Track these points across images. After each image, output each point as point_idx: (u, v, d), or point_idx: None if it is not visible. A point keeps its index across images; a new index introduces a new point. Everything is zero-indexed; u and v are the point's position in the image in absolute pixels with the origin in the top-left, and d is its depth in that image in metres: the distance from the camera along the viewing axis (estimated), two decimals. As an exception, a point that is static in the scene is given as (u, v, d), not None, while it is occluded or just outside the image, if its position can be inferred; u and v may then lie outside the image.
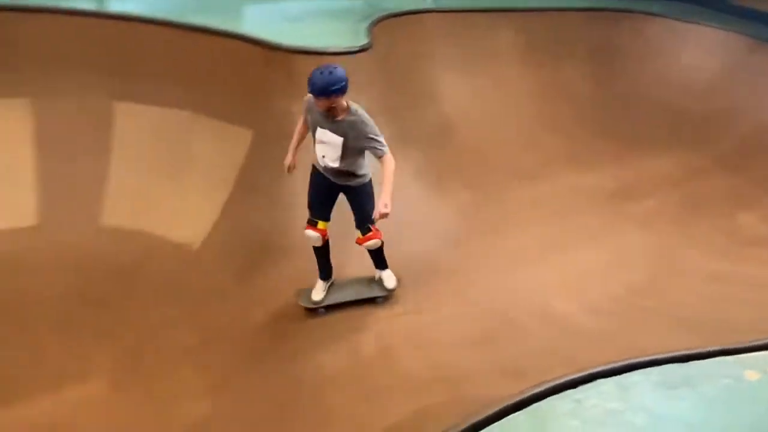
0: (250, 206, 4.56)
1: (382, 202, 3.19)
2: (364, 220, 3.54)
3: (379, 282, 3.94)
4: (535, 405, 2.12)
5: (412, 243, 4.65)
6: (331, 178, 3.45)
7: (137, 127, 4.76)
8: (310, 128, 3.37)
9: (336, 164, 3.31)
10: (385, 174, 3.24)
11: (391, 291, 3.93)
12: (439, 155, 5.55)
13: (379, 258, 3.87)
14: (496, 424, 2.03)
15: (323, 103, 3.09)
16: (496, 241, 4.81)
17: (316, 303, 3.79)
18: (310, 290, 3.82)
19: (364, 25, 5.84)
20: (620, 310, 4.05)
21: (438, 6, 7.09)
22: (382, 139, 3.26)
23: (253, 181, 4.68)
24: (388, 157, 3.26)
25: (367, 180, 3.48)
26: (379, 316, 3.90)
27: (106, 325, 3.73)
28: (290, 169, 3.61)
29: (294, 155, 3.60)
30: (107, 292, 3.93)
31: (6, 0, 4.78)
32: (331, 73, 3.00)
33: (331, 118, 3.20)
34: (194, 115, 4.93)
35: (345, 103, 3.18)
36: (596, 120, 6.82)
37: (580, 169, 6.03)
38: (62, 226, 4.25)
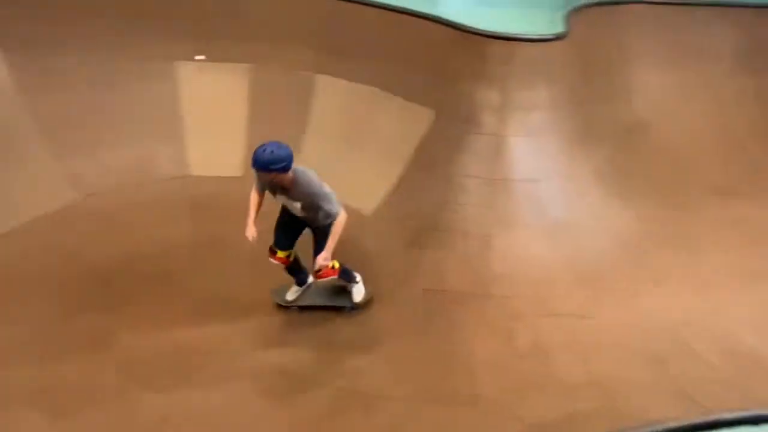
0: (424, 182, 4.68)
1: (321, 255, 3.31)
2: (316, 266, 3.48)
3: (349, 294, 3.87)
4: None
5: (583, 244, 4.44)
6: (298, 217, 3.46)
7: (333, 98, 5.14)
8: (268, 192, 3.38)
9: (302, 215, 3.39)
10: (333, 232, 3.28)
11: (357, 304, 3.86)
12: (626, 157, 5.17)
13: (344, 279, 3.82)
14: None
15: (264, 177, 3.18)
16: (680, 258, 4.38)
17: (288, 302, 3.86)
18: (286, 288, 3.87)
19: (563, 12, 5.59)
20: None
21: (646, -4, 6.53)
22: (332, 198, 3.28)
23: (430, 159, 4.80)
24: (339, 219, 3.27)
25: (329, 223, 3.33)
26: (539, 312, 3.82)
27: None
28: (253, 239, 3.45)
29: (252, 227, 3.44)
30: None
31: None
32: (273, 151, 3.06)
33: (280, 189, 3.26)
34: (383, 92, 5.16)
35: (291, 175, 3.17)
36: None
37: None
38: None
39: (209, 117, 5.02)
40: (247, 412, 3.13)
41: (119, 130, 5.01)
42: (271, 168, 3.07)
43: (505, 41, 4.93)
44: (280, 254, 3.57)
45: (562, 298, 3.95)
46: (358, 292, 3.86)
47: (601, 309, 3.87)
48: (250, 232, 3.41)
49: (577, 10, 5.72)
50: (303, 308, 3.88)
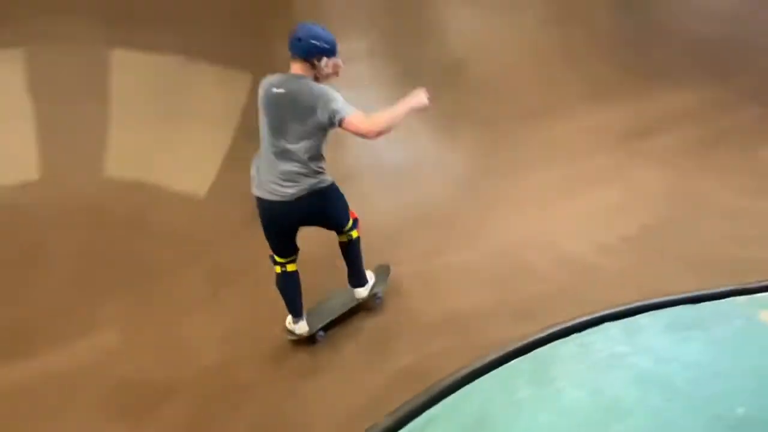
0: (253, 153, 4.46)
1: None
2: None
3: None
4: (540, 349, 2.11)
5: (422, 187, 4.61)
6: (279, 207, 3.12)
7: (136, 75, 4.60)
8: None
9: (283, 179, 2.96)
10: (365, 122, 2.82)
11: (377, 296, 3.60)
12: (448, 94, 5.32)
13: (352, 256, 3.48)
14: (498, 369, 2.02)
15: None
16: (508, 184, 4.75)
17: (298, 335, 3.29)
18: (291, 326, 3.33)
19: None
20: (633, 250, 4.00)
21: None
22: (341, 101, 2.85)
23: (255, 126, 4.57)
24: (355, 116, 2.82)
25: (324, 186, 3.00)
26: (391, 262, 3.87)
27: (116, 276, 3.76)
28: None
29: None
30: (115, 243, 3.93)
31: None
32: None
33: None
34: (192, 61, 4.76)
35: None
36: (616, 52, 6.52)
37: (598, 106, 5.84)
38: (66, 179, 4.19)
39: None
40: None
41: None
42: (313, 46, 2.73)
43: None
44: (290, 267, 3.20)
45: (410, 244, 4.07)
46: (364, 288, 3.49)
47: (447, 247, 4.07)
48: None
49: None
50: (329, 328, 3.40)
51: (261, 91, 2.89)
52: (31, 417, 2.90)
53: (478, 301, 3.53)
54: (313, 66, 2.81)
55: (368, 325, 3.47)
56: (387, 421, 1.82)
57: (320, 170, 2.90)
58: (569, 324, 2.22)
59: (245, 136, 4.49)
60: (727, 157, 5.23)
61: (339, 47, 2.88)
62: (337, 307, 3.48)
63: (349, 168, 4.52)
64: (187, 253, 3.94)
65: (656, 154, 5.28)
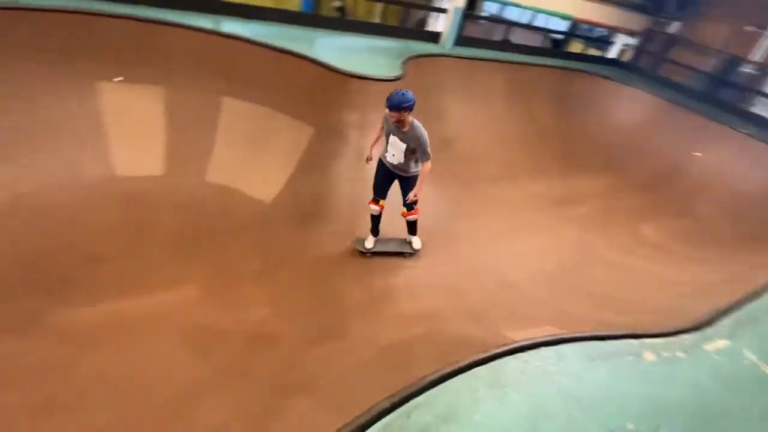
0: (307, 180, 4.45)
1: (412, 192, 3.26)
2: (408, 201, 3.46)
3: (410, 243, 3.89)
4: (495, 362, 2.04)
5: (423, 223, 4.55)
6: (391, 169, 3.35)
7: (234, 116, 4.61)
8: (385, 134, 3.27)
9: (397, 161, 3.24)
10: (421, 174, 3.21)
11: (416, 251, 3.89)
12: (441, 162, 5.32)
13: (412, 228, 3.81)
14: (465, 373, 1.95)
15: (395, 116, 2.97)
16: (473, 224, 4.72)
17: (367, 249, 3.75)
18: (363, 240, 3.81)
19: (400, 60, 5.59)
20: (553, 282, 3.98)
21: (452, 52, 6.78)
22: (428, 149, 3.14)
23: (312, 162, 4.55)
24: (427, 164, 3.18)
25: (414, 174, 3.32)
26: (387, 266, 3.81)
27: (201, 249, 3.69)
28: (368, 160, 3.46)
29: (371, 151, 3.44)
30: (204, 227, 3.87)
31: (158, 15, 4.61)
32: (403, 94, 2.92)
33: (400, 130, 3.09)
34: (273, 111, 4.76)
35: (410, 119, 3.04)
36: (553, 145, 6.62)
37: (537, 178, 5.88)
38: (179, 179, 4.16)
39: (131, 128, 4.18)
40: (175, 363, 2.75)
41: (49, 140, 4.01)
42: (403, 106, 2.84)
43: (361, 79, 4.80)
44: (381, 203, 3.47)
45: (409, 259, 3.99)
46: (417, 242, 3.66)
47: (426, 260, 4.00)
48: (368, 153, 3.33)
49: (410, 59, 5.77)
50: (375, 254, 3.70)
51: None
52: (137, 341, 2.84)
53: (444, 304, 3.48)
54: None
55: (370, 307, 3.41)
56: (384, 404, 1.73)
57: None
58: (516, 345, 2.15)
59: (303, 168, 4.49)
60: (618, 227, 5.24)
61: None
62: (391, 245, 3.84)
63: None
64: (253, 240, 3.88)
65: (573, 217, 5.29)
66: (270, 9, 5.88)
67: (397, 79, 5.08)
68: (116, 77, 4.23)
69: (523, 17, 10.91)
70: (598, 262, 4.51)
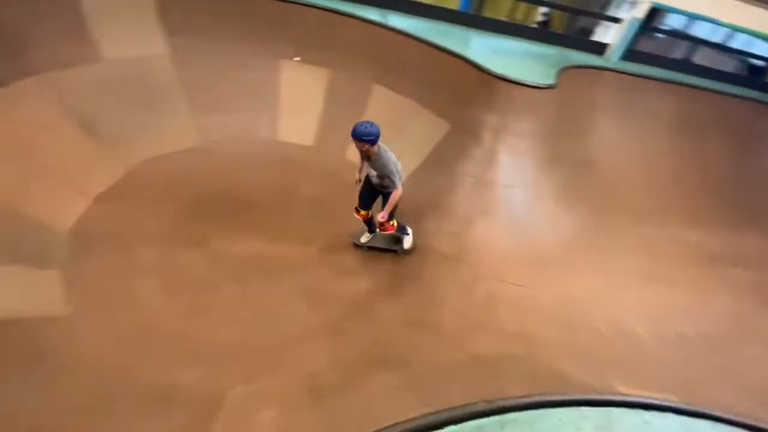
0: (431, 174, 4.43)
1: (380, 215, 3.16)
2: (375, 225, 3.47)
3: (400, 242, 3.76)
4: (608, 408, 1.72)
5: (533, 236, 4.17)
6: (373, 184, 3.28)
7: (381, 102, 4.82)
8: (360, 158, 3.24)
9: (376, 182, 3.19)
10: (389, 200, 3.11)
11: (405, 251, 3.72)
12: (575, 181, 4.84)
13: (399, 232, 3.71)
14: (571, 407, 1.69)
15: (358, 145, 2.92)
16: (599, 258, 4.17)
17: (361, 243, 3.74)
18: (359, 234, 3.78)
19: (555, 69, 5.08)
20: (687, 349, 3.29)
21: (616, 67, 5.89)
22: (396, 176, 3.04)
23: (440, 157, 4.51)
24: (397, 191, 3.07)
25: (392, 190, 3.14)
26: (494, 277, 3.63)
27: (328, 221, 3.90)
28: (357, 182, 3.41)
29: (360, 174, 3.36)
30: (336, 200, 3.99)
31: (339, 7, 5.05)
32: (367, 126, 2.84)
33: (366, 158, 3.06)
34: (415, 103, 4.85)
35: (376, 149, 2.95)
36: (723, 192, 5.39)
37: (693, 226, 4.86)
38: (326, 152, 4.51)
39: (297, 102, 4.70)
40: (290, 308, 3.08)
41: (237, 101, 4.77)
42: (363, 139, 2.85)
43: (510, 83, 4.52)
44: (363, 213, 3.51)
45: (512, 270, 3.81)
46: (407, 242, 3.75)
47: (537, 283, 3.72)
48: (357, 177, 3.36)
49: (567, 69, 5.23)
50: (370, 248, 3.76)
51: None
52: (266, 280, 3.23)
53: (545, 331, 3.16)
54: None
55: (462, 317, 3.26)
56: (481, 406, 1.60)
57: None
58: (638, 400, 1.81)
59: (430, 161, 4.46)
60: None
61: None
62: (383, 241, 3.78)
63: (488, 206, 4.29)
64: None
65: (730, 280, 4.27)
66: (432, 6, 5.89)
67: (549, 87, 4.64)
68: (295, 57, 4.75)
69: (716, 35, 8.89)
70: (755, 341, 3.54)
